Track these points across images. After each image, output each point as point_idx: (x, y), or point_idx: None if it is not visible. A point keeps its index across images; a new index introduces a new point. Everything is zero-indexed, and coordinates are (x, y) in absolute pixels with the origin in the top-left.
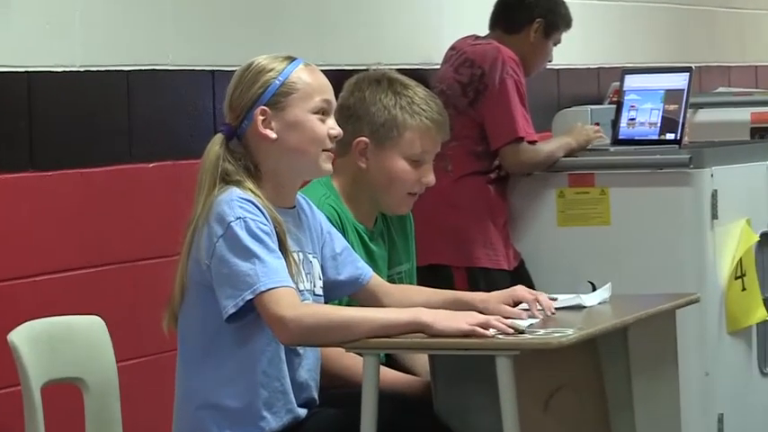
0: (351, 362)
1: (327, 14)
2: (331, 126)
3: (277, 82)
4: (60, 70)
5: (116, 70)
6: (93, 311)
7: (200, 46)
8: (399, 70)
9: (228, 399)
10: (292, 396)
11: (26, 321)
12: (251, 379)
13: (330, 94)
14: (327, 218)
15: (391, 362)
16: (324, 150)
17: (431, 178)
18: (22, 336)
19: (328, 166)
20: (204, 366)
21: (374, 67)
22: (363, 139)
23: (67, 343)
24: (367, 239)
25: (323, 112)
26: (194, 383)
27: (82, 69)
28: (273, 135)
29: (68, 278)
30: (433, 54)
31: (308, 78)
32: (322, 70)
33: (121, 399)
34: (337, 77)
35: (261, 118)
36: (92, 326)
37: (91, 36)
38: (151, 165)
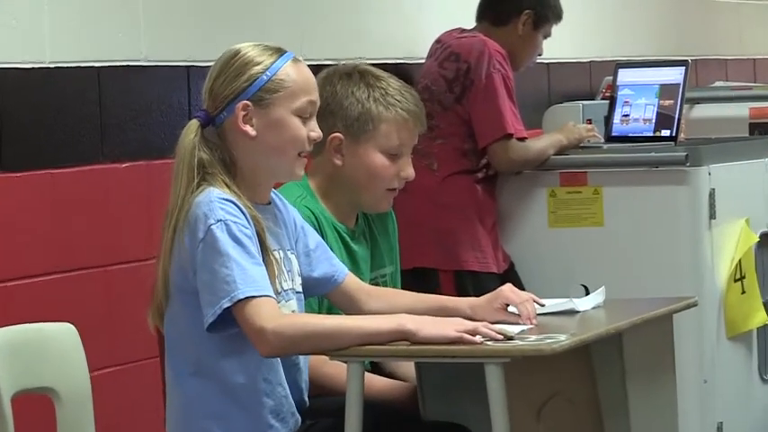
0: (332, 370)
1: (308, 8)
2: (312, 128)
3: (264, 77)
4: (29, 67)
5: (87, 66)
6: (65, 318)
7: (175, 41)
8: (382, 65)
9: (234, 409)
10: (291, 399)
11: None
12: (253, 388)
13: (315, 95)
14: (304, 220)
15: (375, 368)
16: (300, 154)
17: (410, 171)
18: None
19: (300, 171)
20: (202, 376)
21: (343, 62)
22: (338, 135)
23: (38, 352)
24: (348, 239)
25: (306, 114)
26: (193, 393)
27: (52, 66)
28: (253, 132)
29: (38, 284)
30: (416, 48)
31: (295, 76)
32: None
33: (95, 409)
34: (318, 73)
35: (242, 113)
36: (63, 334)
37: (61, 31)
38: (124, 165)
